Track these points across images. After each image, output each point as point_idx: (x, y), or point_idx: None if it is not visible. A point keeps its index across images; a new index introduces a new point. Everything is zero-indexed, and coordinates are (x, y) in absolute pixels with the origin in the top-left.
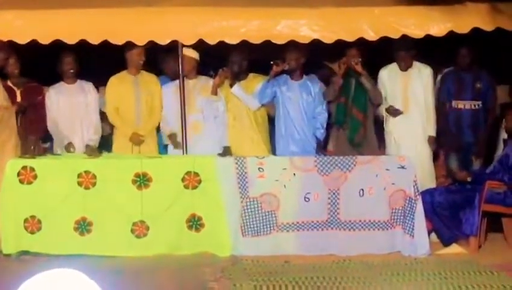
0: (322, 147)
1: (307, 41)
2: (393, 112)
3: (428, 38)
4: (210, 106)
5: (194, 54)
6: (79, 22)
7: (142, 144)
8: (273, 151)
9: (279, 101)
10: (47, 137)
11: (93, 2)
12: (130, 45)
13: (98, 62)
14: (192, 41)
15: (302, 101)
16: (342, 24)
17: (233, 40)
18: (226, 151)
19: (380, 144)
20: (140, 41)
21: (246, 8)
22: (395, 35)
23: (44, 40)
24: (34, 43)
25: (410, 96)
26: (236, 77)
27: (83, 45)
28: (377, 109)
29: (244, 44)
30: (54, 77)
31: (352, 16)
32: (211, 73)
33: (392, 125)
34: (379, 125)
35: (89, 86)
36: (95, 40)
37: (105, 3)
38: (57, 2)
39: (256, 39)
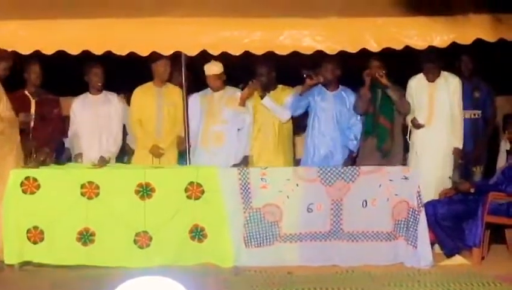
0: (353, 158)
1: (310, 52)
2: (416, 125)
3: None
4: (236, 117)
5: (217, 70)
6: (82, 33)
7: (162, 156)
8: (298, 161)
9: (311, 111)
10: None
11: (96, 13)
12: (155, 56)
13: (128, 73)
14: (195, 52)
15: (336, 112)
16: (344, 35)
17: (236, 51)
18: (246, 161)
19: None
20: (144, 52)
21: (249, 18)
22: (398, 46)
23: (48, 50)
24: (60, 53)
25: (435, 107)
26: (265, 89)
27: (111, 54)
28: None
29: (272, 55)
30: (78, 87)
31: (355, 26)
32: (240, 86)
33: (415, 137)
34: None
35: (113, 97)
36: (98, 50)
37: (108, 14)
38: (60, 12)
39: (259, 50)
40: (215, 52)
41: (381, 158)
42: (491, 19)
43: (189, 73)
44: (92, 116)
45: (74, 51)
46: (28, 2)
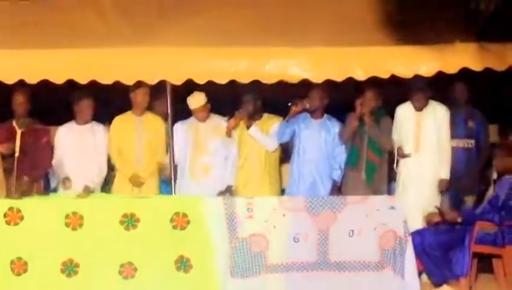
0: (337, 189)
1: (296, 80)
2: (401, 155)
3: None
4: (223, 147)
5: (200, 101)
6: (66, 62)
7: (143, 185)
8: (283, 192)
9: (296, 139)
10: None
11: (80, 42)
12: (134, 86)
13: (111, 102)
14: (181, 81)
15: (321, 139)
16: (331, 64)
17: (222, 80)
18: (228, 190)
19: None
20: (129, 81)
21: (235, 48)
22: (384, 75)
23: (32, 79)
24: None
25: (422, 136)
26: (251, 117)
27: (95, 84)
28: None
29: (257, 84)
30: (65, 115)
31: (341, 55)
32: (226, 117)
33: (401, 166)
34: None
35: (99, 128)
36: (82, 80)
37: (93, 43)
38: (44, 41)
39: (245, 79)
40: (200, 81)
41: (366, 189)
42: (477, 48)
43: (174, 102)
44: (77, 146)
45: (59, 80)
46: (11, 32)
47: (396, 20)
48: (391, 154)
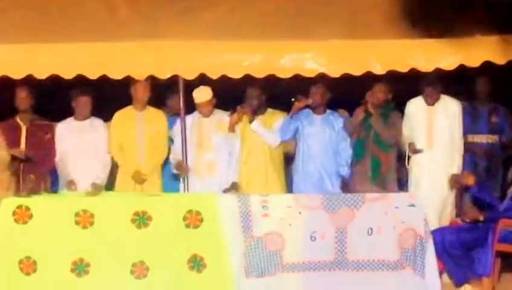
0: (346, 184)
1: (312, 75)
2: (414, 150)
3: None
4: (226, 142)
5: (207, 96)
6: (76, 56)
7: (145, 182)
8: (290, 189)
9: (300, 136)
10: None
11: (90, 37)
12: (133, 80)
13: (110, 97)
14: (194, 76)
15: (325, 135)
16: (348, 57)
17: (236, 75)
18: (234, 187)
19: (401, 180)
20: (140, 76)
21: (249, 41)
22: (403, 69)
23: (41, 75)
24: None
25: (434, 131)
26: (255, 113)
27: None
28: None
29: (263, 79)
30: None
31: (359, 49)
32: (229, 112)
33: (413, 162)
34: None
35: (99, 123)
36: (93, 74)
37: (103, 38)
38: (53, 35)
39: (259, 73)
40: (213, 75)
41: (374, 188)
42: (500, 41)
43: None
44: (79, 143)
45: (68, 75)
46: (20, 26)
47: (416, 13)
48: (400, 150)
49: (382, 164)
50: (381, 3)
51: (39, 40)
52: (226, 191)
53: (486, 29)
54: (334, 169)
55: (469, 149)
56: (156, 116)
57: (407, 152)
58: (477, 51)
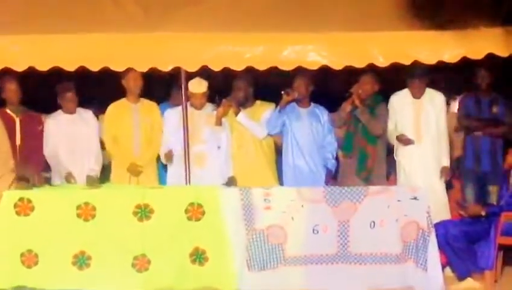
0: (332, 177)
1: (315, 67)
2: (405, 141)
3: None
4: (214, 136)
5: (203, 88)
6: (78, 48)
7: (141, 174)
8: (281, 182)
9: (287, 130)
10: (47, 168)
11: (92, 27)
12: (125, 71)
13: (100, 89)
14: (196, 68)
15: (312, 128)
16: (351, 50)
17: (238, 67)
18: (231, 182)
19: (391, 174)
20: (142, 67)
21: (251, 33)
22: (406, 61)
23: (42, 66)
24: (32, 71)
25: (422, 124)
26: (242, 104)
27: (82, 71)
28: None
29: (249, 70)
30: (52, 105)
31: (361, 41)
32: (217, 100)
33: (402, 155)
34: (391, 154)
35: (88, 115)
36: (94, 66)
37: (105, 29)
38: (55, 27)
39: (261, 65)
40: (216, 68)
41: (359, 182)
42: (503, 33)
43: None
44: (69, 136)
45: (70, 67)
46: (21, 17)
47: (418, 5)
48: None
49: (369, 157)
50: None
51: (41, 31)
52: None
53: (490, 21)
54: (320, 162)
55: (472, 140)
56: (150, 108)
57: (395, 144)
58: (480, 43)
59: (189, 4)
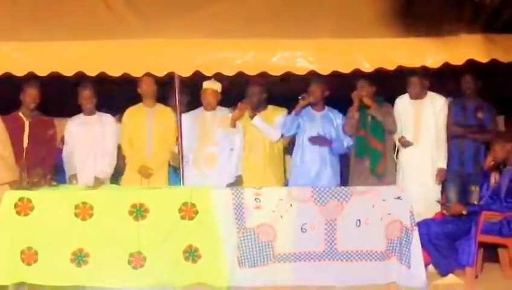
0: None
1: (303, 72)
2: (404, 143)
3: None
4: (227, 138)
5: (216, 87)
6: (76, 54)
7: (152, 176)
8: (287, 183)
9: (300, 132)
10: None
11: (90, 34)
12: (140, 77)
13: (122, 94)
14: (189, 73)
15: (324, 131)
16: (337, 55)
17: (229, 72)
18: (238, 181)
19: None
20: (137, 73)
21: (242, 39)
22: (390, 66)
23: (42, 72)
24: (56, 75)
25: (421, 126)
26: (256, 109)
27: (106, 75)
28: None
29: (264, 76)
30: (75, 108)
31: (347, 47)
32: (231, 107)
33: (402, 156)
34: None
35: (108, 119)
36: (91, 72)
37: (102, 35)
38: (54, 34)
39: (252, 71)
40: (208, 73)
41: (374, 180)
42: (483, 40)
43: (184, 95)
44: (86, 137)
45: (68, 72)
46: (22, 24)
47: (402, 12)
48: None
49: (382, 155)
50: (370, 3)
51: (40, 38)
52: (230, 185)
53: (471, 28)
54: (331, 163)
55: (457, 143)
56: (164, 113)
57: (397, 146)
58: (461, 49)
59: (182, 12)
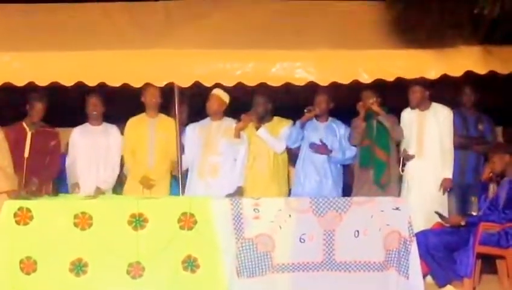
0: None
1: (302, 83)
2: (406, 157)
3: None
4: (231, 148)
5: (223, 96)
6: (76, 64)
7: (154, 187)
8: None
9: (304, 142)
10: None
11: (90, 44)
12: (143, 88)
13: (127, 104)
14: (188, 84)
15: (328, 142)
16: (336, 66)
17: (229, 83)
18: (238, 191)
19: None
20: (137, 83)
21: (242, 50)
22: (389, 78)
23: (42, 82)
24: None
25: (425, 138)
26: (261, 120)
27: (107, 86)
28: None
29: (269, 87)
30: (81, 119)
31: (346, 58)
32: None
33: (406, 169)
34: None
35: (113, 129)
36: (91, 82)
37: (102, 46)
38: (54, 44)
39: (252, 82)
40: (208, 83)
41: (378, 191)
42: (481, 51)
43: (186, 106)
44: (90, 147)
45: (68, 82)
46: (22, 34)
47: (401, 24)
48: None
49: (386, 166)
50: (369, 15)
51: (40, 48)
52: (230, 195)
53: (469, 40)
54: (333, 174)
55: (458, 155)
56: (167, 124)
57: (401, 158)
58: (459, 61)
59: (182, 23)
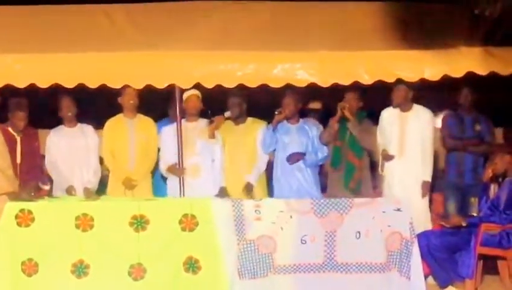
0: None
1: (303, 85)
2: (386, 156)
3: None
4: (208, 148)
5: (197, 92)
6: (77, 66)
7: (136, 187)
8: (270, 194)
9: (278, 146)
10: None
11: (91, 46)
12: (120, 89)
13: (101, 105)
14: (190, 85)
15: (301, 144)
16: (337, 68)
17: (230, 84)
18: (222, 192)
19: (376, 187)
20: (138, 85)
21: (243, 51)
22: (389, 79)
23: (43, 84)
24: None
25: (406, 139)
26: (236, 120)
27: (84, 88)
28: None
29: (242, 87)
30: (56, 120)
31: (347, 59)
32: (208, 113)
33: (386, 169)
34: (376, 168)
35: (88, 129)
36: (93, 84)
37: (103, 48)
38: (55, 46)
39: (252, 83)
40: (208, 85)
41: (346, 193)
42: (482, 52)
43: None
44: (69, 149)
45: (69, 84)
46: (23, 36)
47: (402, 25)
48: (372, 157)
49: (356, 169)
50: (370, 16)
51: (41, 50)
52: (217, 196)
53: (470, 41)
54: (312, 177)
55: (455, 156)
56: (146, 124)
57: (380, 159)
58: (460, 62)
59: (183, 24)
